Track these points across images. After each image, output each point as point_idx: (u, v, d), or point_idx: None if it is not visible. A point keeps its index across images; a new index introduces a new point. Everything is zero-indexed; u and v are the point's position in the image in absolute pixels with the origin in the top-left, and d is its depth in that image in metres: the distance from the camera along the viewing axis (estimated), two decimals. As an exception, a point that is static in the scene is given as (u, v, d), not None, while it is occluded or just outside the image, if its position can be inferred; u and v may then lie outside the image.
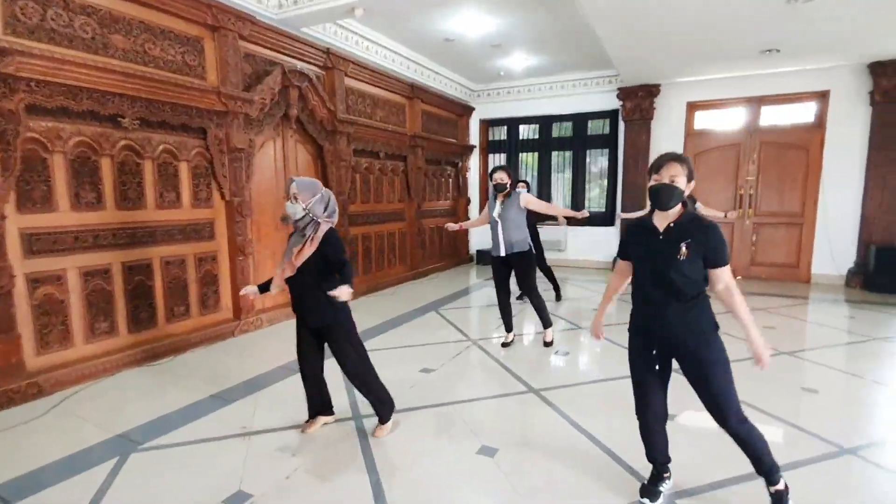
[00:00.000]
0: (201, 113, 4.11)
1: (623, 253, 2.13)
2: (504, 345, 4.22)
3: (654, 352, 1.99)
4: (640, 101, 7.73)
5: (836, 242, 7.04)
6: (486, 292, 6.65)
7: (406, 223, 7.33)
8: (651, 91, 7.63)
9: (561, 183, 8.93)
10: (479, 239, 9.41)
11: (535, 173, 8.92)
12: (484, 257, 8.98)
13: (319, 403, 2.78)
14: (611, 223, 8.38)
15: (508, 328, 4.25)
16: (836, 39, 5.69)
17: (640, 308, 2.02)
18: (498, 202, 4.06)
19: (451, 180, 8.66)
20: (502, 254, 4.04)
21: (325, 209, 2.47)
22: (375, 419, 2.77)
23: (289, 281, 2.51)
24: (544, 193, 8.83)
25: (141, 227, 3.80)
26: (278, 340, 4.42)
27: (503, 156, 9.17)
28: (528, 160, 9.01)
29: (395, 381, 3.40)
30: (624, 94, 7.78)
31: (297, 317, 2.64)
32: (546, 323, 4.21)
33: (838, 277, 7.06)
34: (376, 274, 6.68)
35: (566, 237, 8.71)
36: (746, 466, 1.97)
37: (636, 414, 2.12)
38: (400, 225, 7.20)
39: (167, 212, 3.99)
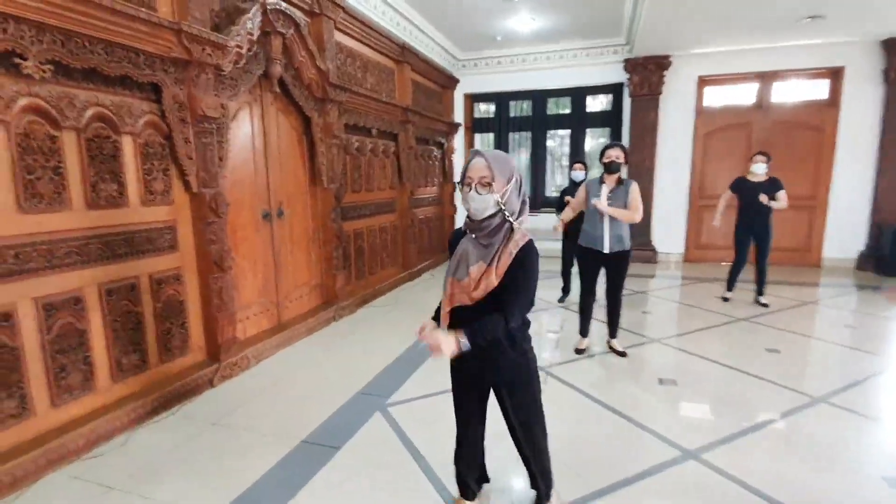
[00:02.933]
0: (152, 60, 2.69)
1: None
2: (578, 351, 3.70)
3: None
4: (649, 74, 6.99)
5: (847, 225, 6.79)
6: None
7: (397, 215, 6.12)
8: (661, 63, 6.92)
9: (556, 165, 8.08)
10: (466, 229, 8.36)
11: (529, 154, 7.99)
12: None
13: (477, 477, 1.95)
14: (613, 209, 7.65)
15: (585, 332, 3.75)
16: (861, 10, 5.26)
17: None
18: (605, 187, 3.28)
19: (437, 163, 7.50)
20: (605, 250, 3.34)
21: (521, 203, 1.56)
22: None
23: (454, 312, 1.59)
24: (539, 176, 7.94)
25: (62, 239, 2.37)
26: (281, 384, 3.16)
27: (491, 135, 8.15)
28: (520, 140, 8.05)
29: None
30: (631, 66, 7.01)
31: (455, 368, 1.76)
32: (616, 331, 3.73)
33: (849, 261, 6.84)
34: (370, 278, 5.46)
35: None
36: None
37: None
38: (391, 217, 5.98)
39: (105, 213, 2.57)
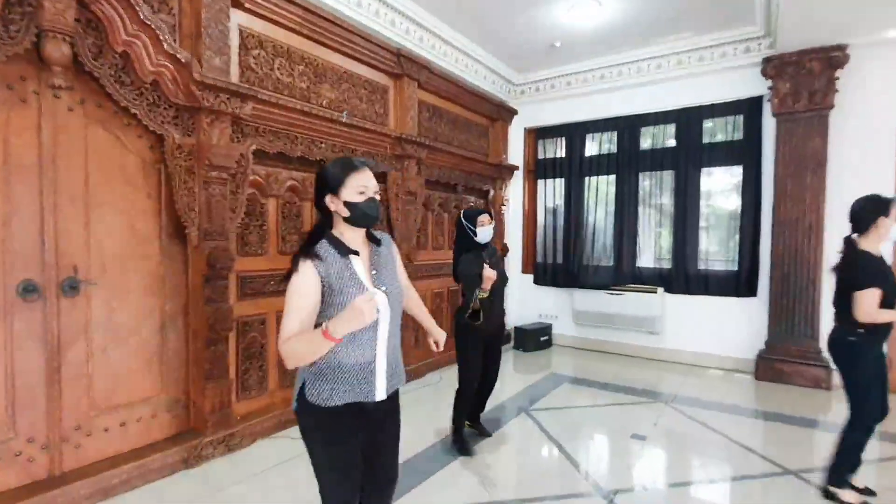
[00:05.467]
0: None
1: None
2: None
3: None
4: (807, 78, 4.34)
5: None
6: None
7: (386, 287, 4.25)
8: (830, 58, 4.23)
9: (654, 222, 5.53)
10: (518, 307, 6.12)
11: (612, 208, 5.60)
12: (525, 340, 5.66)
13: None
14: (749, 292, 4.82)
15: None
16: None
17: None
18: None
19: (475, 217, 5.52)
20: (374, 395, 1.49)
21: None
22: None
23: None
24: (628, 239, 5.46)
25: None
26: None
27: (561, 181, 5.95)
28: (601, 187, 5.73)
29: None
30: (775, 68, 4.44)
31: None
32: None
33: None
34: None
35: (664, 311, 5.23)
36: None
37: None
38: (372, 291, 4.12)
39: None
